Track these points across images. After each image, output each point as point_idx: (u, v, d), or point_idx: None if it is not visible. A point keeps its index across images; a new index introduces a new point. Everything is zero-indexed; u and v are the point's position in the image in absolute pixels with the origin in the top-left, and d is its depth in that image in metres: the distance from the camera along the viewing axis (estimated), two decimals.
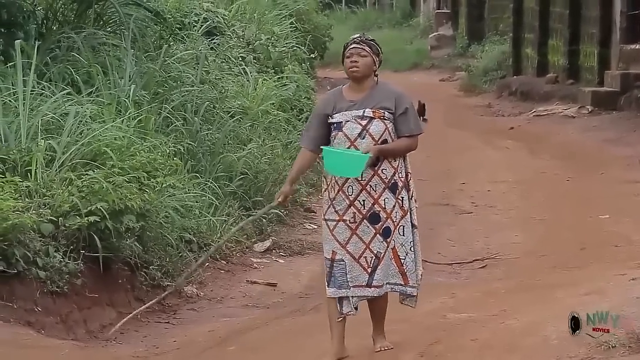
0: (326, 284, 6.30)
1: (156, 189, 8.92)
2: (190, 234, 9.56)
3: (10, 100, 9.40)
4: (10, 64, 9.88)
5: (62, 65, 10.65)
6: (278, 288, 9.38)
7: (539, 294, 7.40)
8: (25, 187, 8.35)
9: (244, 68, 14.21)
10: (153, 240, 8.97)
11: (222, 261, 9.81)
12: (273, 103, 13.32)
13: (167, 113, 10.96)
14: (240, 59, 14.70)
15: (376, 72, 6.36)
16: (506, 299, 7.61)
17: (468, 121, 19.49)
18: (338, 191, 6.24)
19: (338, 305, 6.27)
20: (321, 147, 6.25)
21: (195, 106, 11.47)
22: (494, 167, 14.78)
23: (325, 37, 23.67)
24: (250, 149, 11.60)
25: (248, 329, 8.00)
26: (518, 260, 9.93)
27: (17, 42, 9.85)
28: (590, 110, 18.37)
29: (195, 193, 9.99)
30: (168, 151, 9.89)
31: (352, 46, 6.31)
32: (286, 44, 16.85)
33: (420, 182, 13.79)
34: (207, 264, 9.61)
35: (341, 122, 6.25)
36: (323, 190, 6.39)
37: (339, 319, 6.29)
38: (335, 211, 6.25)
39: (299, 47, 17.16)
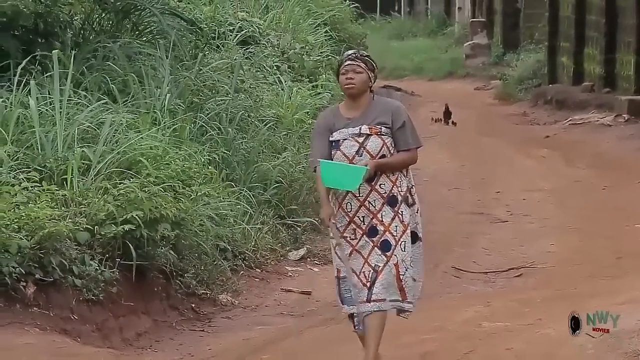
0: (339, 300, 6.29)
1: (191, 198, 8.95)
2: (225, 242, 9.58)
3: (47, 110, 9.47)
4: (47, 74, 9.95)
5: (98, 74, 10.72)
6: (312, 296, 9.37)
7: (575, 303, 7.35)
8: (62, 195, 8.39)
9: (279, 77, 14.24)
10: (188, 249, 9.00)
11: (257, 269, 9.82)
12: (307, 112, 13.33)
13: (202, 122, 11.00)
14: (275, 67, 14.73)
15: (372, 88, 6.31)
16: (542, 308, 7.59)
17: (503, 130, 19.42)
18: (338, 208, 6.22)
19: (349, 320, 6.29)
20: (318, 160, 6.19)
21: (230, 115, 11.50)
22: (529, 175, 14.71)
23: (360, 46, 23.67)
24: (285, 157, 11.61)
25: (282, 337, 8.00)
26: (554, 269, 9.89)
27: (55, 52, 9.93)
28: (626, 118, 18.23)
29: (230, 201, 10.01)
30: (203, 160, 9.92)
31: (346, 63, 6.26)
32: (321, 53, 16.87)
33: (456, 190, 13.85)
34: (242, 272, 9.64)
35: (339, 140, 6.22)
36: None
37: (354, 331, 6.27)
38: (336, 228, 6.22)
39: (334, 56, 17.16)
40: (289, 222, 10.87)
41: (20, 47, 10.50)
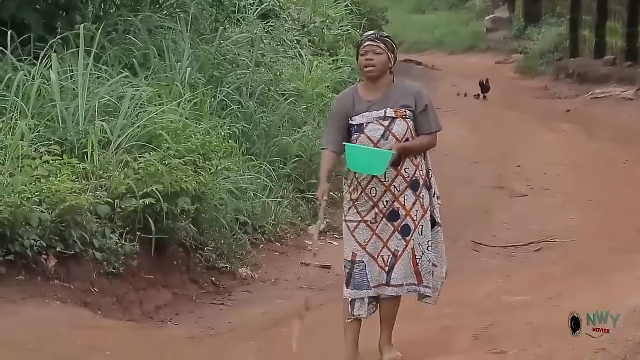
0: (345, 285, 6.16)
1: (211, 172, 8.96)
2: (244, 216, 9.61)
3: (67, 83, 9.48)
4: (69, 49, 9.95)
5: (119, 48, 10.72)
6: (332, 270, 9.38)
7: (595, 277, 7.35)
8: (82, 169, 8.43)
9: (299, 51, 14.23)
10: (208, 222, 9.02)
11: (277, 243, 9.85)
12: (328, 86, 13.32)
13: (223, 96, 11.00)
14: (295, 41, 14.72)
15: (391, 70, 6.17)
16: (562, 281, 7.57)
17: (524, 103, 19.36)
18: (361, 192, 6.09)
19: (349, 306, 6.13)
20: (344, 143, 6.04)
21: (251, 89, 11.50)
22: (550, 149, 14.67)
23: (381, 20, 23.61)
24: (305, 131, 11.61)
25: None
26: (574, 243, 9.87)
27: (81, 26, 9.95)
28: None
29: (250, 175, 10.03)
30: (223, 134, 9.93)
31: (366, 43, 6.11)
32: (341, 26, 16.84)
33: (476, 165, 13.83)
34: (262, 246, 9.66)
35: (362, 124, 6.07)
36: (344, 192, 6.21)
37: (349, 320, 6.15)
38: (357, 212, 6.10)
39: (354, 30, 17.13)
40: (309, 196, 10.88)
41: (42, 20, 10.51)
